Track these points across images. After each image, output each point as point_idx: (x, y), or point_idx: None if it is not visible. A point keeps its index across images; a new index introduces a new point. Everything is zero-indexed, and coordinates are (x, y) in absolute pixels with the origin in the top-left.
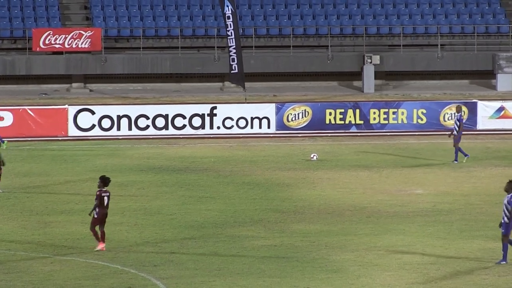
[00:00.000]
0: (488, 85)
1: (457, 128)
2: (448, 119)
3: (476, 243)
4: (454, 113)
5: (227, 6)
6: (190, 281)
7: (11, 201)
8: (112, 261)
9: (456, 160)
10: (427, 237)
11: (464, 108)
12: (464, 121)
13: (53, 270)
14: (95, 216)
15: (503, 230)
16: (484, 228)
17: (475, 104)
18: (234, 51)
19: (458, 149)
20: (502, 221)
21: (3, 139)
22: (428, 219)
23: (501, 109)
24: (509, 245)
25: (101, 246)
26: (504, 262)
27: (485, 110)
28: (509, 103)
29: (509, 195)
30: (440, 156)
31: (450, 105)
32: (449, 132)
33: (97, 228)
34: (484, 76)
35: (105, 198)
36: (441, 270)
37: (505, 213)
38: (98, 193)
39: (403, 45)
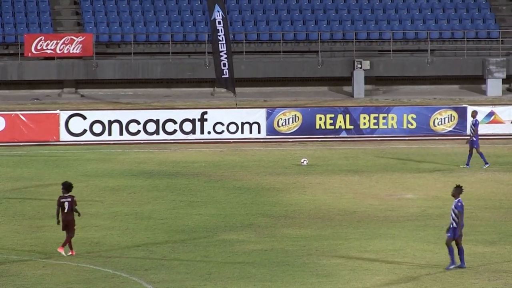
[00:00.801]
0: (478, 90)
1: (473, 133)
2: (438, 124)
3: (466, 247)
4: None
5: (218, 11)
6: (181, 285)
7: (3, 205)
8: (104, 265)
9: (486, 163)
10: (417, 241)
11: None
12: (479, 125)
13: (45, 274)
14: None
15: (449, 234)
16: (473, 233)
17: (465, 109)
18: (225, 56)
19: (480, 154)
20: (451, 226)
21: None
22: (418, 223)
23: (491, 114)
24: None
25: (60, 249)
26: (453, 266)
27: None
28: (499, 108)
29: (456, 200)
30: (430, 161)
31: (440, 110)
32: (467, 138)
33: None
34: (474, 81)
35: (66, 203)
36: (431, 274)
37: (452, 218)
38: (58, 199)
39: (393, 50)
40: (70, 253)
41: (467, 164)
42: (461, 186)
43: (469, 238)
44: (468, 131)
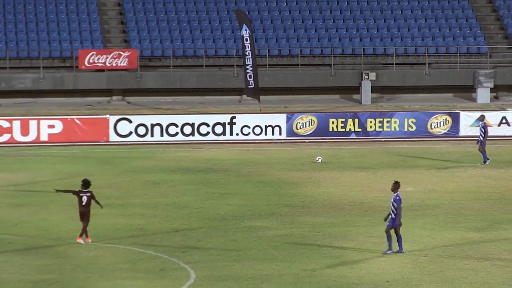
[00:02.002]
0: (469, 98)
1: (482, 135)
2: (435, 127)
3: (458, 233)
4: (479, 122)
5: (245, 30)
6: (213, 265)
7: (60, 197)
8: (147, 247)
9: (485, 161)
10: (416, 228)
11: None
12: (487, 127)
13: (96, 255)
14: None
15: (388, 224)
16: (465, 221)
17: (458, 114)
18: (251, 68)
19: (483, 152)
20: (390, 217)
21: None
22: (417, 212)
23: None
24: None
25: (78, 239)
26: (390, 251)
27: (467, 119)
28: (487, 113)
29: (395, 194)
30: (427, 159)
31: (436, 115)
32: (477, 139)
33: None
34: (466, 90)
35: (84, 197)
36: (428, 256)
37: (392, 210)
38: (77, 191)
39: (395, 64)
40: (87, 240)
41: (484, 162)
42: (399, 182)
43: (461, 225)
44: (478, 133)
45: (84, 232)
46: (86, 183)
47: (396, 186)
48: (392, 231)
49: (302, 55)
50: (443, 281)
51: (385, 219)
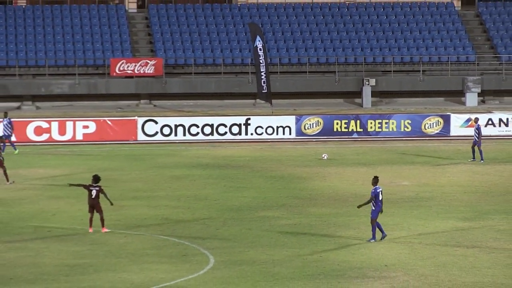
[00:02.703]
0: (459, 101)
1: (477, 135)
2: (428, 128)
3: (449, 222)
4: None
5: (259, 41)
6: (230, 251)
7: None
8: (171, 235)
9: (482, 159)
10: (412, 218)
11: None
12: (481, 128)
13: (126, 242)
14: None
15: (372, 215)
16: (455, 211)
17: (448, 116)
18: (264, 75)
19: (480, 151)
20: (372, 209)
21: (16, 146)
22: (412, 204)
23: (468, 120)
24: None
25: (103, 230)
26: (373, 240)
27: (457, 120)
28: (475, 115)
29: (374, 188)
30: (422, 156)
31: (429, 117)
32: (472, 139)
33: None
34: (456, 95)
35: (94, 191)
36: (422, 243)
37: (372, 202)
38: (87, 185)
39: (393, 71)
40: (103, 230)
41: (481, 159)
42: (377, 177)
43: (451, 216)
44: (471, 133)
45: (103, 221)
46: (96, 178)
47: (375, 180)
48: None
49: (309, 63)
50: (436, 265)
51: (359, 206)
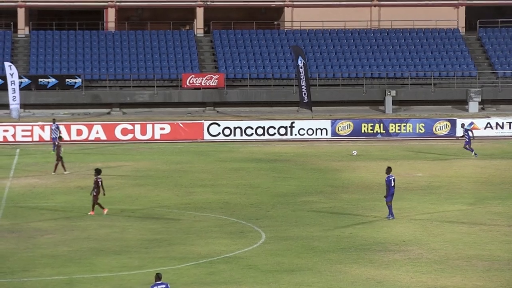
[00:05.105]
0: (463, 109)
1: (467, 136)
2: (438, 130)
3: (456, 206)
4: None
5: (300, 60)
6: (278, 229)
7: (169, 179)
8: (231, 216)
9: (475, 154)
10: (425, 202)
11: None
12: (469, 131)
13: (194, 221)
14: (94, 194)
15: (386, 198)
16: (460, 197)
17: (455, 120)
18: (305, 87)
19: (471, 149)
20: (387, 193)
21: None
22: (425, 191)
23: (471, 123)
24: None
25: (105, 211)
26: (391, 217)
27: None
28: (476, 120)
29: (387, 176)
30: (433, 153)
31: (439, 121)
32: (462, 139)
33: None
34: (460, 103)
35: (99, 182)
36: (433, 223)
37: (387, 188)
38: (95, 179)
39: (410, 84)
40: (104, 211)
41: (475, 154)
42: (390, 167)
43: (457, 201)
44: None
45: (100, 205)
46: (98, 171)
47: (388, 170)
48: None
49: (342, 78)
50: (444, 241)
51: (385, 196)
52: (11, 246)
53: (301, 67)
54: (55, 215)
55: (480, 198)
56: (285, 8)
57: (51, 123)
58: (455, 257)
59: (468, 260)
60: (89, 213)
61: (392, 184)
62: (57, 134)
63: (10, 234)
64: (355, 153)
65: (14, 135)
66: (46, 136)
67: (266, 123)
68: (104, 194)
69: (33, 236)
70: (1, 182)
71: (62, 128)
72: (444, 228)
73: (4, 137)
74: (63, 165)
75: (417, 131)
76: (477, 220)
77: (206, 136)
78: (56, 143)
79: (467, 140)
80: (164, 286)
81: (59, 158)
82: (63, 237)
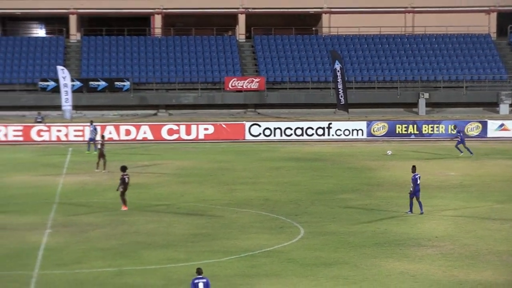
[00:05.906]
0: (494, 111)
1: (460, 137)
2: (470, 131)
3: (486, 204)
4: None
5: (337, 64)
6: (316, 224)
7: (212, 177)
8: (271, 212)
9: (471, 153)
10: (457, 200)
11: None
12: (461, 132)
13: (236, 217)
14: (121, 190)
15: (411, 194)
16: (491, 196)
17: (486, 122)
18: (342, 90)
19: (457, 148)
20: (411, 190)
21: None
22: (457, 189)
23: (502, 125)
24: (414, 202)
25: (125, 208)
26: (411, 213)
27: (492, 125)
28: (506, 121)
29: (413, 174)
30: (465, 153)
31: (471, 122)
32: (456, 141)
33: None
34: (492, 105)
35: (126, 178)
36: (465, 220)
37: (412, 185)
38: (121, 176)
39: (442, 87)
40: (125, 209)
41: (471, 153)
42: (415, 166)
43: (488, 198)
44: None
45: (124, 201)
46: (124, 168)
47: (413, 169)
48: (414, 199)
49: (377, 81)
50: (476, 237)
51: (409, 193)
52: (64, 240)
53: (338, 71)
54: (105, 211)
55: (510, 196)
56: (323, 15)
57: (89, 124)
58: (486, 252)
59: (499, 255)
60: (122, 209)
61: (418, 182)
62: (94, 135)
63: (63, 228)
64: (389, 153)
65: (66, 135)
66: (97, 136)
67: (304, 124)
68: (126, 190)
69: (85, 230)
70: (55, 179)
71: (111, 128)
72: (475, 224)
73: (57, 136)
74: (98, 163)
75: (450, 132)
76: (508, 217)
77: (248, 136)
78: (101, 142)
79: (459, 140)
80: (204, 280)
81: (102, 156)
82: (113, 231)
